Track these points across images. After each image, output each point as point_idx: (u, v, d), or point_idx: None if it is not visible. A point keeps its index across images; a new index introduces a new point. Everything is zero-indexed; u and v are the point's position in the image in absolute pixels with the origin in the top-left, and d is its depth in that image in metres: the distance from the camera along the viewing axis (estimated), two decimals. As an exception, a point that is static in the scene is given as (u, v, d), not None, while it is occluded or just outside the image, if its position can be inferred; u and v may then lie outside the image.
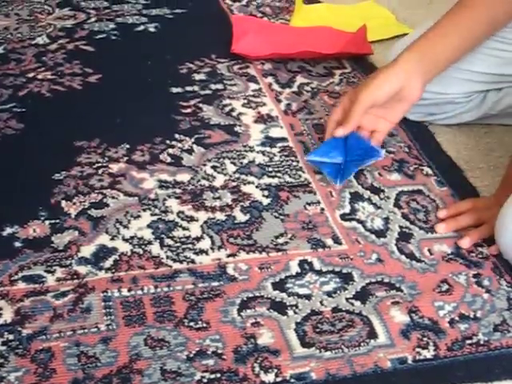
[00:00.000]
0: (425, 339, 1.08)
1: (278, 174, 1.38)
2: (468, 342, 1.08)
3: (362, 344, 1.06)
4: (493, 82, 1.48)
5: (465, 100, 1.50)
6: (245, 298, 1.12)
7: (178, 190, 1.33)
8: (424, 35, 1.34)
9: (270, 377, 1.01)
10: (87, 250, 1.19)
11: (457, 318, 1.12)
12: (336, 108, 1.37)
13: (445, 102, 1.50)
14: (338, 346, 1.06)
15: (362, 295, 1.14)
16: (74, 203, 1.28)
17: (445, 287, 1.17)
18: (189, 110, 1.55)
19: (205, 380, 1.00)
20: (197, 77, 1.67)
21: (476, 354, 1.07)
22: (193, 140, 1.46)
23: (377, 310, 1.12)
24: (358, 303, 1.13)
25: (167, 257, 1.18)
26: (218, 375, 1.00)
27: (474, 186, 1.39)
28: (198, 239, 1.23)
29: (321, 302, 1.12)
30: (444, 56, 1.34)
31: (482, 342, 1.08)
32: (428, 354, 1.06)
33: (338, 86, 1.67)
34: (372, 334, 1.08)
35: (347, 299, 1.13)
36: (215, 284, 1.14)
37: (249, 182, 1.36)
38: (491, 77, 1.47)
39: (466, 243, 1.24)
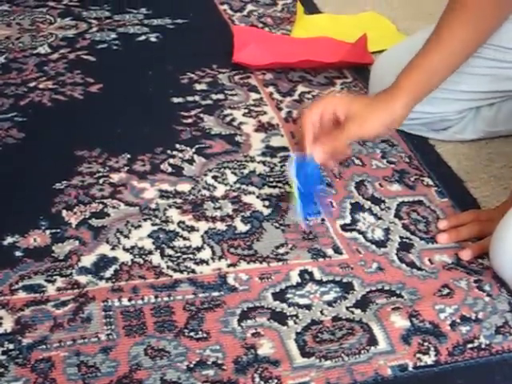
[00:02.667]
0: (426, 344, 1.08)
1: (279, 184, 1.38)
2: (469, 345, 1.08)
3: (362, 351, 1.06)
4: (482, 99, 1.48)
5: (457, 117, 1.50)
6: (245, 309, 1.12)
7: (178, 200, 1.33)
8: (422, 70, 1.30)
9: (270, 387, 1.01)
10: (88, 260, 1.19)
11: (458, 321, 1.12)
12: (313, 108, 1.29)
13: (438, 120, 1.50)
14: (338, 354, 1.05)
15: (363, 303, 1.14)
16: (75, 213, 1.28)
17: (446, 291, 1.17)
18: (190, 120, 1.56)
19: (205, 390, 1.00)
20: (198, 87, 1.68)
21: (477, 359, 1.07)
22: (193, 150, 1.46)
23: (377, 316, 1.12)
24: (358, 311, 1.13)
25: (168, 267, 1.18)
26: (218, 385, 1.01)
27: (474, 197, 1.39)
28: (198, 249, 1.23)
29: (321, 312, 1.12)
30: (429, 92, 1.33)
31: (483, 346, 1.08)
32: (429, 359, 1.06)
33: (339, 94, 1.67)
34: (372, 341, 1.08)
35: (347, 308, 1.13)
36: (216, 294, 1.14)
37: (249, 192, 1.36)
38: (480, 94, 1.47)
39: (467, 255, 1.24)
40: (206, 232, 1.26)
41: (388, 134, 1.33)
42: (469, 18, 1.31)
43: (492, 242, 1.17)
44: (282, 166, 1.43)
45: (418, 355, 1.06)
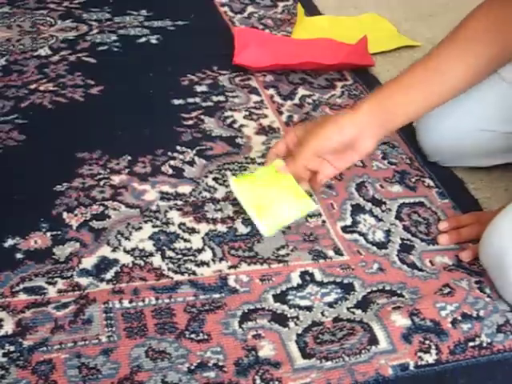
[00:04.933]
0: (427, 342, 1.08)
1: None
2: (470, 344, 1.09)
3: (362, 351, 1.06)
4: None
5: None
6: (246, 310, 1.12)
7: (179, 202, 1.33)
8: (387, 85, 1.25)
9: (271, 389, 1.01)
10: (88, 262, 1.19)
11: (459, 318, 1.12)
12: (280, 141, 1.30)
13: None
14: (339, 354, 1.06)
15: (363, 304, 1.14)
16: (76, 215, 1.28)
17: (447, 290, 1.17)
18: (190, 122, 1.56)
19: (206, 392, 1.00)
20: (198, 89, 1.68)
21: (478, 357, 1.07)
22: (194, 152, 1.46)
23: (378, 316, 1.12)
24: (359, 311, 1.13)
25: (168, 268, 1.18)
26: (219, 387, 1.01)
27: (475, 199, 1.39)
28: (199, 251, 1.23)
29: (322, 313, 1.12)
30: (403, 111, 1.25)
31: (484, 345, 1.09)
32: (430, 358, 1.06)
33: (340, 98, 1.67)
34: (373, 341, 1.08)
35: (348, 309, 1.13)
36: (216, 296, 1.14)
37: (250, 194, 1.36)
38: None
39: (467, 256, 1.24)
40: (206, 234, 1.26)
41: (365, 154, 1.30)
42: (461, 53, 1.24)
43: (481, 240, 1.18)
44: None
45: (419, 354, 1.06)
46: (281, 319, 1.11)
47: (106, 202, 1.32)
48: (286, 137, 1.30)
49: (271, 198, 1.24)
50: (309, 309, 1.13)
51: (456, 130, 1.39)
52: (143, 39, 1.87)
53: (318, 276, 1.19)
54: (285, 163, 1.25)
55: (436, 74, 1.23)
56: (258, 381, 1.01)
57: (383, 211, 1.34)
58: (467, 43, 1.23)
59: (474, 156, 1.44)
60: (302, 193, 1.25)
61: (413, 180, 1.42)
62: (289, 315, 1.12)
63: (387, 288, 1.17)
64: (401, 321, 1.11)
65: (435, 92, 1.24)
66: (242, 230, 1.28)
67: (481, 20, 1.22)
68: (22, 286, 1.13)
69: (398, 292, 1.17)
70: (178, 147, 1.47)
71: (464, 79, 1.24)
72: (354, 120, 1.22)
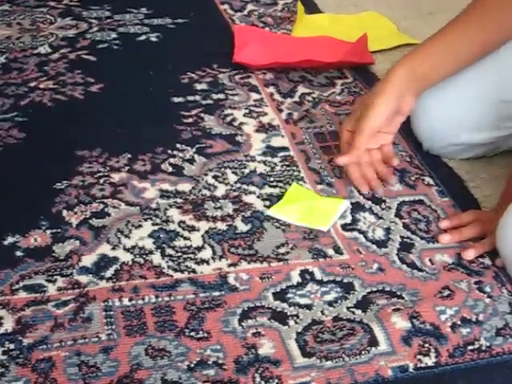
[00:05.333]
0: (426, 345, 1.08)
1: (280, 184, 1.38)
2: (470, 347, 1.08)
3: (362, 352, 1.06)
4: None
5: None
6: (246, 308, 1.12)
7: (179, 200, 1.33)
8: (416, 48, 1.34)
9: (271, 387, 1.01)
10: (88, 260, 1.19)
11: (459, 322, 1.12)
12: (340, 144, 1.38)
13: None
14: (339, 354, 1.06)
15: (363, 304, 1.14)
16: (76, 213, 1.28)
17: (446, 293, 1.17)
18: (190, 120, 1.55)
19: (205, 390, 1.00)
20: (198, 86, 1.68)
21: (477, 360, 1.07)
22: (194, 150, 1.46)
23: (378, 317, 1.12)
24: (358, 312, 1.13)
25: (168, 266, 1.18)
26: (219, 385, 1.01)
27: (475, 197, 1.39)
28: (199, 249, 1.23)
29: (322, 312, 1.12)
30: (435, 72, 1.33)
31: (483, 348, 1.08)
32: (429, 361, 1.06)
33: (340, 95, 1.67)
34: (373, 342, 1.08)
35: (348, 308, 1.13)
36: (216, 294, 1.14)
37: (250, 192, 1.36)
38: None
39: (470, 255, 1.24)
40: (206, 232, 1.26)
41: (407, 112, 1.35)
42: (487, 18, 1.32)
43: (497, 231, 1.17)
44: (282, 166, 1.42)
45: (419, 356, 1.06)
46: (281, 317, 1.11)
47: (105, 200, 1.32)
48: (341, 138, 1.38)
49: (309, 206, 1.32)
50: (309, 307, 1.13)
51: (449, 98, 1.40)
52: (143, 37, 1.87)
53: (318, 275, 1.19)
54: (346, 156, 1.33)
55: (460, 25, 1.32)
56: (258, 379, 1.01)
57: (383, 209, 1.34)
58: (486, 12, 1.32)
59: (465, 129, 1.43)
60: (332, 198, 1.36)
61: (412, 178, 1.42)
62: (289, 313, 1.12)
63: (387, 289, 1.17)
64: (401, 323, 1.11)
65: (459, 46, 1.33)
66: (242, 227, 1.28)
67: None
68: (21, 284, 1.13)
69: (398, 293, 1.16)
70: (178, 145, 1.47)
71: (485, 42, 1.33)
72: (393, 88, 1.30)
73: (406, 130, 1.49)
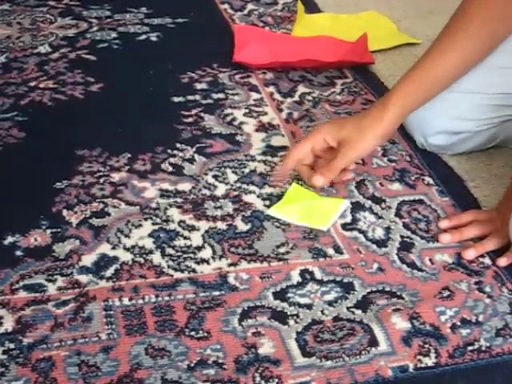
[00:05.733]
0: (426, 346, 1.08)
1: (280, 184, 1.38)
2: (470, 348, 1.08)
3: (362, 352, 1.06)
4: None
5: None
6: (246, 308, 1.12)
7: (179, 200, 1.33)
8: (406, 78, 1.32)
9: (271, 386, 1.01)
10: (88, 259, 1.19)
11: (458, 323, 1.12)
12: (302, 142, 1.34)
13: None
14: (339, 354, 1.06)
15: (363, 304, 1.14)
16: (76, 212, 1.28)
17: (446, 293, 1.17)
18: (190, 120, 1.56)
19: (205, 389, 1.00)
20: (198, 86, 1.68)
21: (477, 361, 1.07)
22: (194, 149, 1.46)
23: (378, 317, 1.12)
24: (358, 312, 1.13)
25: (168, 266, 1.18)
26: (219, 385, 1.01)
27: (475, 197, 1.39)
28: (199, 248, 1.23)
29: (322, 312, 1.12)
30: (421, 102, 1.34)
31: (483, 348, 1.08)
32: (429, 361, 1.06)
33: (340, 95, 1.67)
34: (373, 342, 1.08)
35: (348, 308, 1.13)
36: (216, 293, 1.14)
37: (250, 192, 1.36)
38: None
39: (471, 255, 1.24)
40: (206, 231, 1.26)
41: (383, 145, 1.35)
42: (474, 31, 1.30)
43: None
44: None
45: (419, 357, 1.06)
46: (281, 317, 1.11)
47: (105, 200, 1.32)
48: (311, 140, 1.34)
49: (309, 206, 1.32)
50: (309, 307, 1.13)
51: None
52: (143, 37, 1.87)
53: (318, 274, 1.19)
54: (322, 178, 1.31)
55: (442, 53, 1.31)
56: (258, 378, 1.01)
57: (383, 209, 1.34)
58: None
59: (450, 117, 1.42)
60: (330, 198, 1.35)
61: (412, 178, 1.42)
62: (289, 313, 1.12)
63: (387, 289, 1.17)
64: (401, 324, 1.11)
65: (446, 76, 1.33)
66: (242, 227, 1.28)
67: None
68: (21, 284, 1.13)
69: (398, 293, 1.16)
70: (178, 145, 1.47)
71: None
72: (390, 128, 1.31)
73: (404, 129, 1.50)
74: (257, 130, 1.53)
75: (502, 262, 1.22)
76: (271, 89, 1.68)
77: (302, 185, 1.37)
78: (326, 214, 1.31)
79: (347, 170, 1.37)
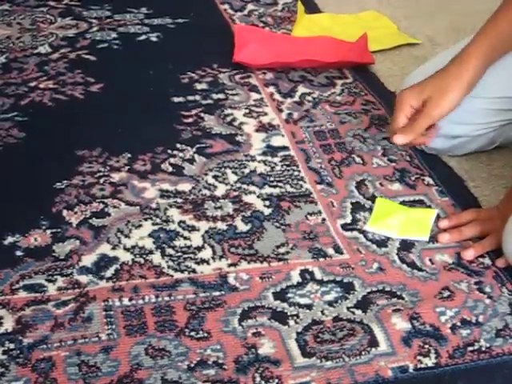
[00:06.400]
0: (426, 346, 1.08)
1: (280, 184, 1.38)
2: (470, 348, 1.08)
3: (362, 353, 1.06)
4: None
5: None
6: (246, 308, 1.12)
7: (179, 200, 1.33)
8: (486, 27, 1.32)
9: (271, 387, 1.01)
10: (88, 260, 1.19)
11: (458, 324, 1.12)
12: (397, 117, 1.35)
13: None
14: (339, 355, 1.06)
15: (363, 304, 1.14)
16: (76, 212, 1.28)
17: (446, 294, 1.17)
18: (190, 120, 1.55)
19: (206, 390, 1.00)
20: (198, 86, 1.68)
21: (477, 361, 1.07)
22: (194, 149, 1.46)
23: (378, 318, 1.12)
24: (359, 312, 1.13)
25: (168, 266, 1.18)
26: (219, 385, 1.01)
27: (475, 197, 1.39)
28: (199, 249, 1.23)
29: (322, 312, 1.12)
30: (504, 49, 1.34)
31: (483, 349, 1.08)
32: (429, 361, 1.06)
33: (340, 96, 1.67)
34: (373, 343, 1.08)
35: (348, 308, 1.13)
36: (216, 294, 1.14)
37: (250, 192, 1.36)
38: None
39: (470, 255, 1.24)
40: (206, 232, 1.26)
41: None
42: None
43: (504, 232, 1.18)
44: (282, 166, 1.42)
45: (419, 357, 1.06)
46: (281, 317, 1.11)
47: (105, 200, 1.32)
48: (402, 111, 1.34)
49: (406, 219, 1.31)
50: (309, 307, 1.13)
51: None
52: (143, 37, 1.87)
53: (318, 274, 1.19)
54: (403, 137, 1.32)
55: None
56: (258, 378, 1.01)
57: (383, 209, 1.34)
58: None
59: (457, 123, 1.41)
60: (420, 208, 1.35)
61: (413, 178, 1.42)
62: (289, 313, 1.12)
63: (387, 289, 1.17)
64: (401, 324, 1.11)
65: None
66: (242, 227, 1.28)
67: None
68: (21, 284, 1.13)
69: (398, 294, 1.16)
70: (178, 145, 1.47)
71: None
72: (470, 76, 1.31)
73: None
74: (257, 131, 1.53)
75: (501, 262, 1.22)
76: (271, 89, 1.68)
77: (381, 196, 1.37)
78: (422, 225, 1.30)
79: (433, 129, 1.37)
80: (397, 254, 1.24)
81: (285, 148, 1.48)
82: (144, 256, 1.20)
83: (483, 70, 1.32)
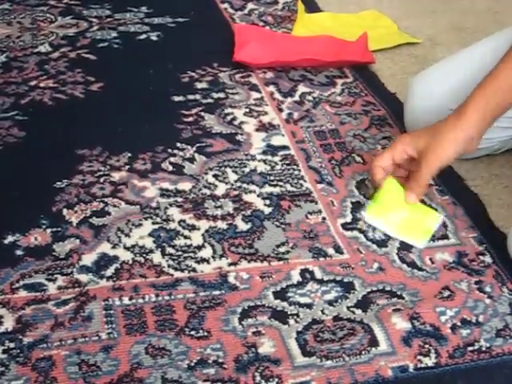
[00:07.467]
0: (426, 346, 1.08)
1: (280, 183, 1.38)
2: (470, 348, 1.09)
3: (363, 352, 1.06)
4: None
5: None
6: (246, 307, 1.12)
7: (179, 199, 1.33)
8: (483, 85, 1.28)
9: (271, 386, 1.01)
10: (88, 259, 1.19)
11: (459, 324, 1.12)
12: (384, 154, 1.31)
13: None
14: (339, 354, 1.06)
15: (364, 304, 1.14)
16: (76, 211, 1.28)
17: (446, 293, 1.17)
18: (190, 119, 1.55)
19: (206, 389, 1.00)
20: (199, 85, 1.68)
21: (477, 361, 1.07)
22: (194, 149, 1.46)
23: (378, 317, 1.12)
24: (359, 311, 1.13)
25: (168, 265, 1.18)
26: (219, 384, 1.01)
27: (475, 195, 1.39)
28: (199, 248, 1.23)
29: (322, 311, 1.12)
30: (500, 111, 1.29)
31: (483, 349, 1.09)
32: (429, 361, 1.06)
33: (340, 96, 1.67)
34: (373, 342, 1.08)
35: (348, 308, 1.13)
36: (216, 293, 1.14)
37: (250, 191, 1.36)
38: None
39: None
40: (206, 231, 1.26)
41: (472, 152, 1.32)
42: None
43: (509, 234, 1.19)
44: (282, 165, 1.42)
45: (419, 357, 1.06)
46: (281, 316, 1.11)
47: (106, 199, 1.32)
48: (391, 151, 1.30)
49: (409, 220, 1.29)
50: (309, 306, 1.13)
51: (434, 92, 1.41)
52: (143, 36, 1.87)
53: (318, 274, 1.19)
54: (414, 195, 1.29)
55: None
56: (258, 377, 1.01)
57: (383, 208, 1.34)
58: None
59: None
60: (426, 208, 1.33)
61: (413, 177, 1.42)
62: (289, 312, 1.12)
63: (387, 288, 1.17)
64: (401, 324, 1.11)
65: None
66: (242, 226, 1.28)
67: None
68: (22, 283, 1.13)
69: (398, 293, 1.17)
70: (178, 144, 1.47)
71: None
72: (468, 132, 1.25)
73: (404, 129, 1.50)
74: (257, 130, 1.53)
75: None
76: (271, 88, 1.68)
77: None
78: (423, 230, 1.29)
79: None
80: (397, 253, 1.24)
81: (285, 147, 1.48)
82: (144, 255, 1.20)
83: (484, 117, 1.26)
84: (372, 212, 1.29)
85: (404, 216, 1.29)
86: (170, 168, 1.40)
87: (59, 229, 1.24)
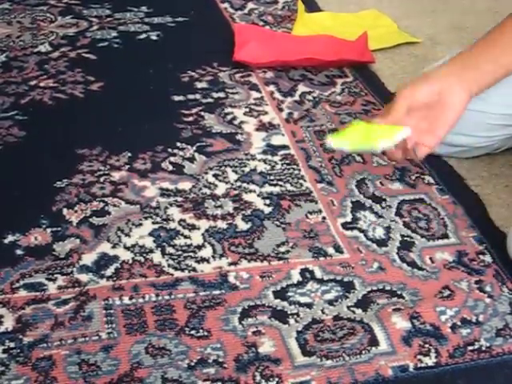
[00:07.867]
0: (426, 346, 1.08)
1: (280, 183, 1.38)
2: (470, 348, 1.08)
3: (363, 352, 1.06)
4: None
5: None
6: (246, 307, 1.12)
7: (179, 199, 1.33)
8: (477, 43, 1.27)
9: (271, 385, 1.01)
10: (88, 258, 1.19)
11: (459, 323, 1.12)
12: (398, 105, 1.24)
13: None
14: (339, 354, 1.06)
15: (364, 303, 1.14)
16: (76, 211, 1.28)
17: (446, 293, 1.17)
18: (190, 119, 1.55)
19: (206, 388, 1.00)
20: (199, 85, 1.68)
21: (478, 360, 1.07)
22: (194, 148, 1.46)
23: (378, 317, 1.12)
24: (359, 311, 1.13)
25: (168, 265, 1.18)
26: (219, 384, 1.01)
27: (476, 195, 1.39)
28: (199, 247, 1.23)
29: (322, 311, 1.12)
30: (489, 67, 1.24)
31: (483, 349, 1.08)
32: (429, 361, 1.06)
33: (340, 95, 1.67)
34: (373, 342, 1.08)
35: (348, 307, 1.13)
36: (216, 292, 1.14)
37: (250, 191, 1.36)
38: None
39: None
40: (206, 230, 1.26)
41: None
42: None
43: (509, 233, 1.19)
44: (282, 165, 1.42)
45: (419, 356, 1.06)
46: (281, 316, 1.11)
47: (106, 199, 1.32)
48: (403, 100, 1.25)
49: (371, 134, 1.23)
50: (309, 306, 1.13)
51: None
52: (143, 35, 1.87)
53: (318, 273, 1.19)
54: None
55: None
56: (258, 377, 1.01)
57: (383, 208, 1.34)
58: None
59: (460, 134, 1.39)
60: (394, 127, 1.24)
61: (413, 177, 1.42)
62: (289, 312, 1.12)
63: (387, 288, 1.17)
64: (401, 323, 1.11)
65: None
66: (242, 226, 1.28)
67: None
68: (22, 283, 1.13)
69: (398, 293, 1.16)
70: (178, 143, 1.47)
71: None
72: (442, 72, 1.25)
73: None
74: (257, 130, 1.53)
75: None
76: (271, 88, 1.68)
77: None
78: (385, 138, 1.22)
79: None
80: (397, 253, 1.24)
81: (285, 147, 1.48)
82: (144, 255, 1.20)
83: (456, 82, 1.22)
84: (336, 137, 1.24)
85: (363, 129, 1.23)
86: (170, 168, 1.40)
87: (59, 228, 1.24)
